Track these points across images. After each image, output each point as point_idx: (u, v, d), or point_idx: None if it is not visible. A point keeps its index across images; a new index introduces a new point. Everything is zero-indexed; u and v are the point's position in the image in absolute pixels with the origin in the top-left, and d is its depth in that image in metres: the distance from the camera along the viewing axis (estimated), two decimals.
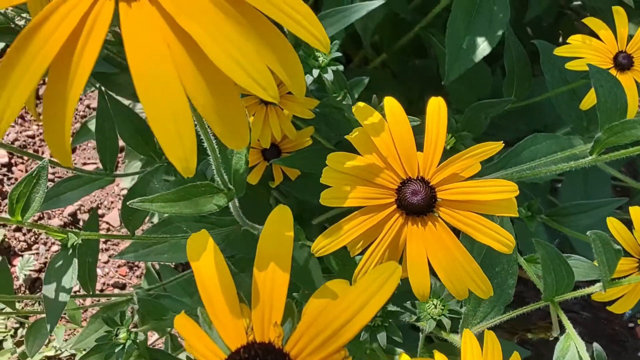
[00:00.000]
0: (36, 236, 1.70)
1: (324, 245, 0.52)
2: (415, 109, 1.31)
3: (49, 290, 0.60)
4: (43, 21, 0.28)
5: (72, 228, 1.71)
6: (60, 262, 0.60)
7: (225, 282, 0.34)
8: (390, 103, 0.53)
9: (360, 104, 0.54)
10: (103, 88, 0.80)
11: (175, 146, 0.28)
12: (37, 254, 1.69)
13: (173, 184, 0.75)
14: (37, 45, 0.28)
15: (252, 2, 0.29)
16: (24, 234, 1.69)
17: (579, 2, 1.42)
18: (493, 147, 0.52)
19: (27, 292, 1.64)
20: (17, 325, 1.58)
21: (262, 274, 0.35)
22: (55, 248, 1.68)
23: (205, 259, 0.35)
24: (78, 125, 1.72)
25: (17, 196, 0.55)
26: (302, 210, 1.05)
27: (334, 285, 0.35)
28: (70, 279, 0.60)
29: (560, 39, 1.43)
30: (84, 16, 0.28)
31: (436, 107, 0.54)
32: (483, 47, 0.95)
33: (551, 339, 1.23)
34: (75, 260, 0.60)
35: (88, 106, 1.77)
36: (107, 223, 1.74)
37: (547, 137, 0.85)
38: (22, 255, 1.66)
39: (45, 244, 1.72)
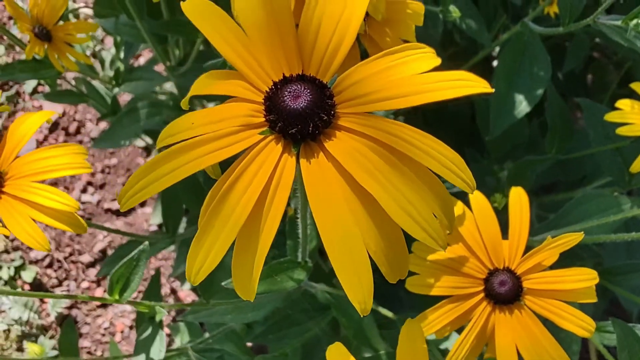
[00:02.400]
0: (67, 273, 1.72)
1: None
2: None
3: None
4: (236, 180, 0.31)
5: (102, 264, 1.73)
6: (148, 334, 0.63)
7: None
8: (477, 196, 0.56)
9: None
10: None
11: (357, 292, 0.31)
12: (68, 290, 1.71)
13: None
14: (234, 201, 0.31)
15: (417, 157, 0.32)
16: (55, 270, 1.71)
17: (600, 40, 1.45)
18: (573, 239, 0.55)
19: (59, 328, 1.66)
20: None
21: None
22: (85, 284, 1.70)
23: None
24: (113, 160, 1.74)
25: (117, 278, 0.58)
26: None
27: None
28: (159, 351, 0.63)
29: (589, 77, 1.46)
30: (271, 174, 0.31)
31: (517, 198, 0.57)
32: (525, 105, 0.98)
33: None
34: (163, 334, 0.63)
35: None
36: None
37: (596, 196, 0.88)
38: (53, 292, 1.68)
39: (75, 280, 1.74)
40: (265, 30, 0.34)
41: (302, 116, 0.32)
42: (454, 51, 1.30)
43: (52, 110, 1.77)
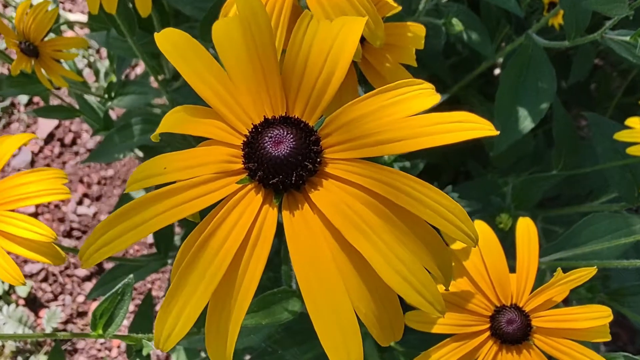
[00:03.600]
0: (62, 287, 1.69)
1: None
2: (453, 167, 1.31)
3: None
4: (211, 234, 0.28)
5: (97, 277, 1.71)
6: None
7: None
8: (482, 228, 0.53)
9: None
10: None
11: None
12: (63, 305, 1.68)
13: None
14: (208, 258, 0.27)
15: (413, 210, 0.29)
16: (50, 285, 1.69)
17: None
18: (585, 274, 0.51)
19: (54, 344, 1.63)
20: None
21: None
22: (81, 298, 1.68)
23: None
24: (110, 172, 1.72)
25: (100, 312, 0.55)
26: None
27: None
28: None
29: (593, 87, 1.43)
30: (250, 228, 0.28)
31: (525, 230, 0.53)
32: (529, 121, 0.95)
33: None
34: None
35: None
36: None
37: (605, 216, 0.85)
38: (48, 307, 1.65)
39: (71, 294, 1.71)
40: (246, 67, 0.31)
41: (284, 165, 0.29)
42: (457, 61, 1.27)
43: (48, 123, 1.75)
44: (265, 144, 0.29)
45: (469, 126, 0.30)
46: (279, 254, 0.81)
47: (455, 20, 0.87)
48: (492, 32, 1.11)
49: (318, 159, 0.29)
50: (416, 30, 0.47)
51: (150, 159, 0.30)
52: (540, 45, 0.96)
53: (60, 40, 0.82)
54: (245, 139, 0.30)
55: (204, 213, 0.31)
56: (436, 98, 0.32)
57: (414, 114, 0.30)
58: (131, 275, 0.55)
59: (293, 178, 0.29)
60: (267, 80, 0.31)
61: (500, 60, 1.19)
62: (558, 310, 0.52)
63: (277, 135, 0.29)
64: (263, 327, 0.84)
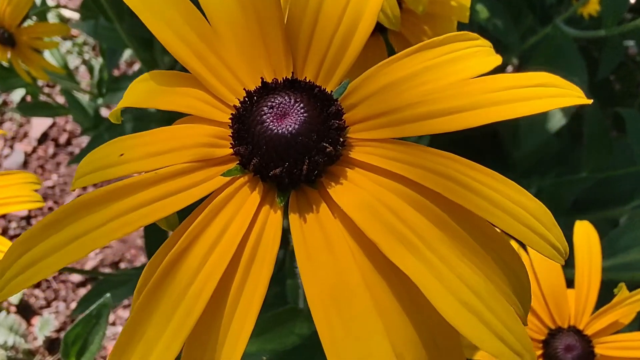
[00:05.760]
0: (55, 293, 1.62)
1: None
2: None
3: None
4: (189, 248, 0.19)
5: (92, 283, 1.65)
6: None
7: None
8: None
9: None
10: None
11: None
12: (57, 312, 1.61)
13: None
14: (183, 282, 0.18)
15: (480, 212, 0.20)
16: (43, 291, 1.62)
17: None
18: None
19: (47, 352, 1.57)
20: None
21: None
22: (74, 305, 1.61)
23: None
24: None
25: (72, 338, 0.46)
26: None
27: None
28: None
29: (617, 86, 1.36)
30: (243, 239, 0.19)
31: (585, 237, 0.44)
32: (560, 117, 0.86)
33: None
34: None
35: None
36: None
37: None
38: (41, 314, 1.59)
39: (65, 300, 1.65)
40: (236, 12, 0.22)
41: (291, 147, 0.19)
42: None
43: (42, 122, 1.68)
44: (264, 117, 0.19)
45: (553, 92, 0.20)
46: (283, 266, 0.73)
47: (480, 7, 0.79)
48: (514, 22, 1.02)
49: (341, 139, 0.20)
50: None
51: (104, 144, 0.21)
52: (569, 36, 0.88)
53: (39, 27, 0.74)
54: (234, 112, 0.21)
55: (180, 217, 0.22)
56: (498, 59, 0.23)
57: (470, 78, 0.21)
58: (108, 295, 0.47)
59: (304, 167, 0.19)
60: (266, 31, 0.22)
61: (514, 60, 1.11)
62: (624, 336, 0.43)
63: (281, 105, 0.20)
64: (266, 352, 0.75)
